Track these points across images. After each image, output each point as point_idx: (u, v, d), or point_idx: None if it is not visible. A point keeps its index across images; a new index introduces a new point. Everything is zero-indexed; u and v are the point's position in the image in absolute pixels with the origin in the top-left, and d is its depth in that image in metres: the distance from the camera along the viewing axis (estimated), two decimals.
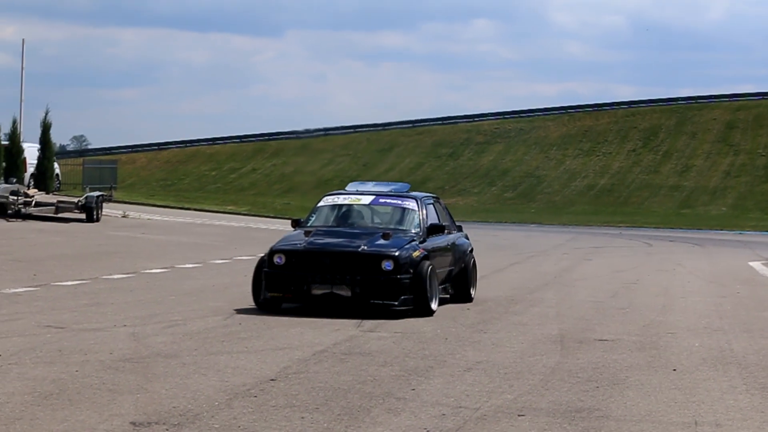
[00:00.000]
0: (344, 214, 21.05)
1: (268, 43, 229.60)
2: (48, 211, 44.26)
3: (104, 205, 46.59)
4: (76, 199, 46.40)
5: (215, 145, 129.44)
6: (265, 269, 19.00)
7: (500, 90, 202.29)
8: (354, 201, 21.19)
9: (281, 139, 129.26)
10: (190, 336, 16.25)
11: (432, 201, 22.07)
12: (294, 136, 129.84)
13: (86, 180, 59.89)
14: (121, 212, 50.24)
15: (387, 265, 18.72)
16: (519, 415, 11.63)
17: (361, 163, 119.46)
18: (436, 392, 12.70)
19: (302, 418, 11.09)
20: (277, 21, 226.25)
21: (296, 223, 20.99)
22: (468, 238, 23.14)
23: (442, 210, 22.46)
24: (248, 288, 19.70)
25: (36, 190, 48.65)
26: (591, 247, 45.38)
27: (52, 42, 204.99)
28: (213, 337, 16.29)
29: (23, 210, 43.54)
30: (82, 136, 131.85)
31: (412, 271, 18.89)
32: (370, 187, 22.18)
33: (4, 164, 52.16)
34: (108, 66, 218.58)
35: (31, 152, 54.54)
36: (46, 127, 55.49)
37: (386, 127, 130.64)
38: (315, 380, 13.16)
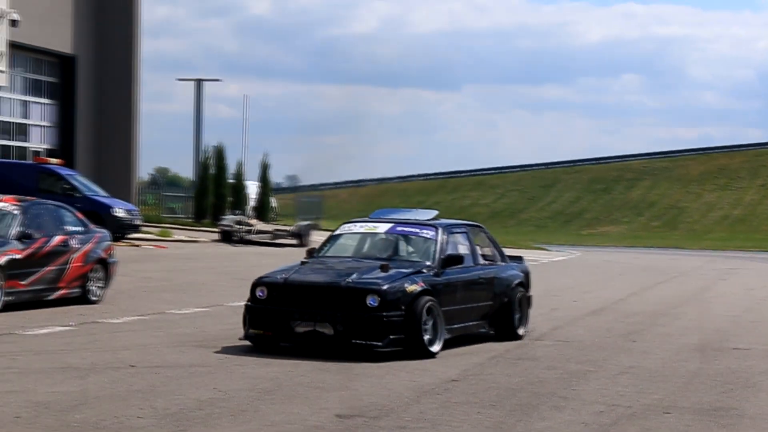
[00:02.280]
0: (357, 243, 16.84)
1: (448, 95, 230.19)
2: (266, 238, 44.86)
3: (312, 232, 47.04)
4: (289, 228, 46.96)
5: (405, 182, 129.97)
6: (247, 303, 15.21)
7: (646, 134, 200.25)
8: (369, 230, 16.85)
9: (460, 176, 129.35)
10: None
11: (463, 230, 17.28)
12: (470, 173, 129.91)
13: (298, 212, 60.50)
14: (325, 238, 50.65)
15: (371, 300, 14.34)
16: (665, 413, 11.54)
17: (527, 197, 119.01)
18: (594, 392, 12.64)
19: (479, 413, 11.09)
20: (455, 77, 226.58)
21: (310, 253, 16.91)
22: (524, 271, 18.18)
23: (486, 240, 17.95)
24: None
25: (256, 220, 49.32)
26: (726, 269, 44.55)
27: (269, 96, 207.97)
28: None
29: (246, 237, 44.28)
30: (294, 175, 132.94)
31: (403, 307, 14.45)
32: (394, 214, 17.55)
33: (230, 199, 53.16)
34: (315, 116, 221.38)
35: (252, 188, 55.46)
36: (264, 168, 56.26)
37: (549, 166, 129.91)
38: (490, 381, 13.16)
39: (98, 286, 20.16)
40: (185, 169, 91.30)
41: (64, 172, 39.42)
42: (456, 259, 16.04)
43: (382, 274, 14.81)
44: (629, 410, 11.61)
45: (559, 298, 25.53)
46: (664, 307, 24.24)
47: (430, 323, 14.80)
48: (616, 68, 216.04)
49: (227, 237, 44.12)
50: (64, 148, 49.52)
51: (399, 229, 16.51)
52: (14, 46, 43.57)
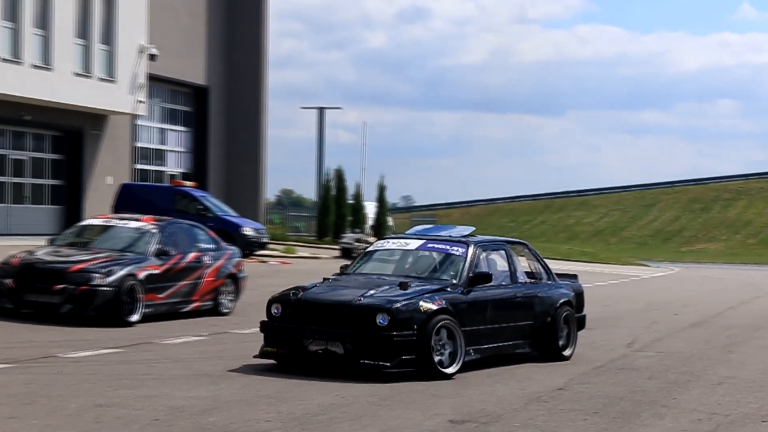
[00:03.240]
0: (388, 260, 15.54)
1: (552, 120, 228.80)
2: None
3: None
4: None
5: (513, 203, 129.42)
6: (263, 320, 13.99)
7: (742, 156, 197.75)
8: (401, 246, 15.49)
9: (565, 197, 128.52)
10: (493, 354, 16.25)
11: (500, 247, 15.75)
12: (575, 194, 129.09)
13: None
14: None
15: (381, 319, 12.96)
16: (762, 421, 11.38)
17: (629, 216, 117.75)
18: (693, 401, 12.50)
19: (585, 419, 11.01)
20: (559, 103, 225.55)
21: (342, 270, 15.65)
22: (575, 291, 16.58)
23: (532, 256, 16.35)
24: None
25: (375, 238, 49.44)
26: None
27: (385, 122, 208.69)
28: (510, 355, 16.26)
29: None
30: (409, 195, 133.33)
31: (416, 327, 13.05)
32: (431, 232, 16.12)
33: (350, 218, 53.50)
34: (427, 141, 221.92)
35: (370, 208, 55.76)
36: (381, 189, 56.44)
37: (649, 187, 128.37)
38: (595, 390, 13.06)
39: (229, 299, 20.40)
40: (308, 191, 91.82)
41: (198, 193, 39.93)
42: (484, 277, 14.39)
43: (398, 293, 13.48)
44: (727, 418, 11.45)
45: (660, 311, 25.28)
46: (761, 320, 23.88)
47: (446, 343, 13.40)
48: (712, 94, 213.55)
49: (347, 254, 44.28)
50: (198, 172, 50.17)
51: (430, 245, 15.20)
52: (153, 79, 44.29)
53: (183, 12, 48.27)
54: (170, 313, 18.77)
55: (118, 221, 20.34)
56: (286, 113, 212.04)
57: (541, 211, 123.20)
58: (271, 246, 41.55)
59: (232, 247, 21.84)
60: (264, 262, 35.90)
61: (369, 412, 10.88)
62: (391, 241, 16.12)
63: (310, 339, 13.16)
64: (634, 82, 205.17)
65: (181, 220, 21.78)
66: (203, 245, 20.32)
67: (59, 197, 42.03)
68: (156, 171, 49.03)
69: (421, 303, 13.29)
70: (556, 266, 40.32)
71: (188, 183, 41.55)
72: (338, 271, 15.53)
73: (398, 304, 13.14)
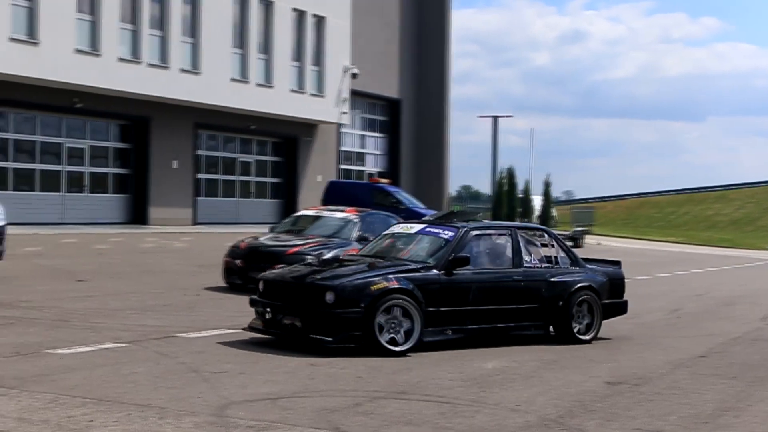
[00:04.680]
0: (388, 243, 13.88)
1: (694, 126, 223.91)
2: None
3: (585, 236, 46.47)
4: (566, 233, 46.52)
5: (659, 196, 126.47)
6: (252, 296, 12.69)
7: None
8: (404, 230, 13.96)
9: (704, 191, 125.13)
10: (642, 325, 15.98)
11: (504, 232, 13.60)
12: (713, 189, 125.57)
13: (573, 220, 59.84)
14: (596, 241, 49.94)
15: (329, 297, 11.53)
16: None
17: (762, 207, 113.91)
18: None
19: (724, 383, 10.73)
20: (700, 111, 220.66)
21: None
22: (606, 276, 14.29)
23: (552, 241, 14.14)
24: (676, 290, 19.11)
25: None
26: None
27: (549, 128, 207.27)
28: (657, 327, 15.98)
29: None
30: (570, 190, 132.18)
31: (363, 305, 11.50)
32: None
33: (519, 209, 53.27)
34: (585, 144, 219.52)
35: (537, 201, 55.50)
36: (546, 185, 56.04)
37: None
38: (732, 358, 12.71)
39: None
40: (484, 186, 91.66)
41: (392, 189, 40.21)
42: (462, 260, 12.52)
43: (354, 271, 12.09)
44: None
45: None
46: None
47: (402, 322, 11.80)
48: None
49: None
50: (392, 171, 50.55)
51: (427, 229, 13.49)
52: (354, 93, 44.82)
53: (379, 38, 48.69)
54: None
55: (326, 212, 20.61)
56: (465, 122, 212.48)
57: (683, 203, 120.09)
58: None
59: None
60: None
61: (537, 374, 10.81)
62: (401, 225, 14.43)
63: (282, 313, 11.85)
64: None
65: (378, 212, 21.93)
66: None
67: (278, 192, 42.88)
68: (357, 170, 49.60)
69: (374, 283, 11.73)
70: (698, 251, 38.82)
71: (384, 180, 41.88)
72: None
73: (345, 283, 11.67)
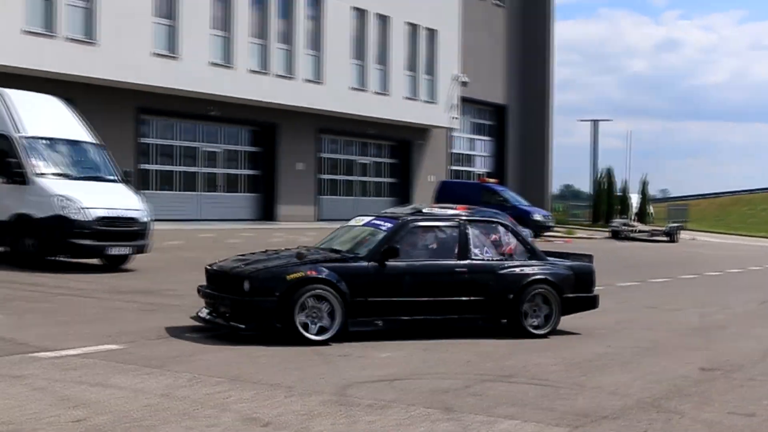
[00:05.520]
0: (339, 235, 12.80)
1: None
2: (644, 236, 43.85)
3: (680, 232, 45.59)
4: (662, 229, 45.71)
5: (751, 194, 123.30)
6: (199, 285, 11.82)
7: None
8: (356, 222, 12.79)
9: None
10: (736, 315, 15.64)
11: (452, 224, 12.29)
12: None
13: (669, 216, 58.75)
14: (690, 237, 48.98)
15: (246, 285, 10.71)
16: None
17: None
18: None
19: None
20: None
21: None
22: (575, 270, 12.72)
23: (510, 234, 12.76)
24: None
25: (638, 223, 48.37)
26: None
27: (645, 131, 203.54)
28: (750, 317, 15.60)
29: (629, 235, 43.52)
30: (666, 189, 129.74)
31: (277, 294, 10.64)
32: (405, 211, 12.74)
33: (618, 207, 52.55)
34: (681, 145, 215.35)
35: (634, 199, 54.69)
36: (643, 184, 55.20)
37: None
38: None
39: None
40: (584, 185, 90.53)
41: (499, 188, 40.09)
42: (392, 252, 11.35)
43: (277, 262, 11.21)
44: None
45: None
46: None
47: (321, 311, 10.79)
48: None
49: (616, 235, 43.52)
50: (498, 171, 50.35)
51: (373, 222, 12.35)
52: (464, 100, 44.78)
53: (487, 48, 48.52)
54: None
55: (438, 209, 20.61)
56: (566, 125, 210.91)
57: None
58: (555, 228, 41.29)
59: (526, 230, 21.77)
60: (550, 241, 35.66)
61: (634, 360, 10.67)
62: (354, 218, 13.13)
63: (218, 302, 11.15)
64: None
65: (486, 209, 21.79)
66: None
67: (393, 191, 43.07)
68: (466, 171, 49.50)
69: (290, 272, 10.79)
70: None
71: (491, 180, 41.77)
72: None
73: (260, 272, 10.84)
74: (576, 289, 12.65)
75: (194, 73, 31.12)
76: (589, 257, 13.31)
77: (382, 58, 39.38)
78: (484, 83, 47.67)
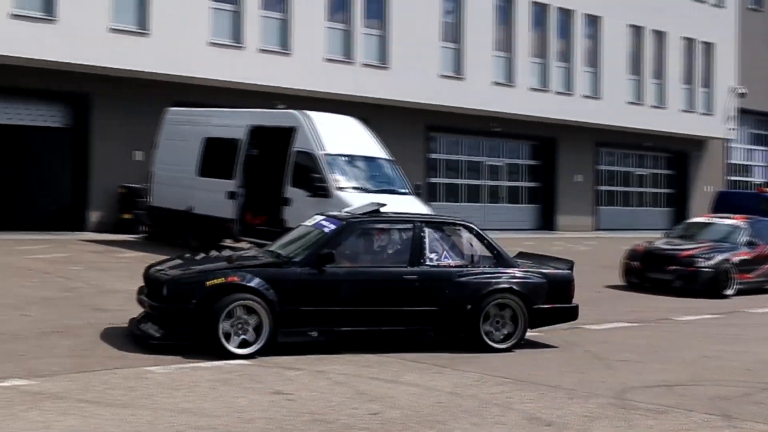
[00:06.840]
0: (291, 238, 10.87)
1: None
2: None
3: None
4: None
5: None
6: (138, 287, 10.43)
7: None
8: (308, 223, 10.95)
9: None
10: None
11: (405, 227, 10.39)
12: None
13: None
14: None
15: (164, 290, 9.30)
16: None
17: None
18: None
19: None
20: None
21: None
22: (549, 278, 10.66)
23: (475, 240, 10.65)
24: None
25: None
26: None
27: None
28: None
29: None
30: None
31: (194, 301, 9.11)
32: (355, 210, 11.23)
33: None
34: None
35: None
36: None
37: None
38: None
39: None
40: None
41: None
42: (328, 257, 9.60)
43: (201, 268, 9.75)
44: None
45: None
46: None
47: (248, 320, 9.21)
48: None
49: None
50: None
51: (320, 222, 10.62)
52: (742, 111, 42.74)
53: (765, 59, 46.01)
54: (757, 289, 17.89)
55: (716, 219, 19.99)
56: None
57: None
58: None
59: None
60: None
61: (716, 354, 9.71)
62: (308, 219, 11.24)
63: (147, 309, 9.74)
64: None
65: (766, 219, 20.74)
66: None
67: (671, 202, 41.79)
68: (743, 181, 47.12)
69: (210, 278, 9.28)
70: None
71: None
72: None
73: (178, 278, 9.47)
74: (550, 299, 10.64)
75: (479, 92, 31.49)
76: (569, 263, 11.19)
77: (658, 73, 38.26)
78: (763, 93, 45.19)
